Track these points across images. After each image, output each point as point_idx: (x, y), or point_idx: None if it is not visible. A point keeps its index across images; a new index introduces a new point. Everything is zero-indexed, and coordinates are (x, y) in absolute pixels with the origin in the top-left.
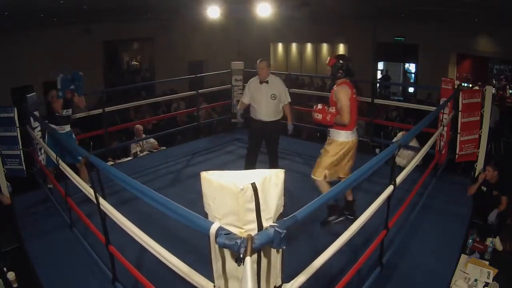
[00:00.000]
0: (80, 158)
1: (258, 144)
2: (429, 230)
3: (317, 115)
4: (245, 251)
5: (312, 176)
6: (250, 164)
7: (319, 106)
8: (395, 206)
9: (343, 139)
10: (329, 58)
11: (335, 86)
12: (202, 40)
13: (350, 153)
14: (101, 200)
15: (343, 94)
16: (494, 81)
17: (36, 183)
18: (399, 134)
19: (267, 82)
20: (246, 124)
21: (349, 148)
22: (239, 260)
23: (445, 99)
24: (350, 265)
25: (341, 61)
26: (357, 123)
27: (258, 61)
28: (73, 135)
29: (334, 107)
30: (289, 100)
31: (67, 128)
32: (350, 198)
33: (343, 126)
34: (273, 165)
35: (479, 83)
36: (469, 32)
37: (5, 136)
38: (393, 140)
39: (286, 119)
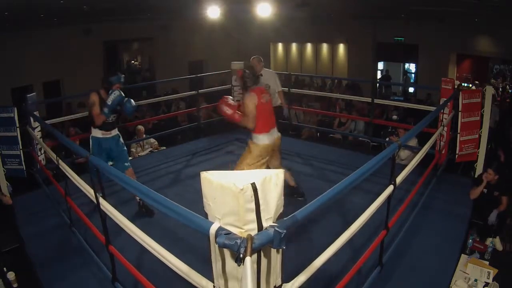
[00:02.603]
0: (128, 164)
1: None
2: (429, 230)
3: (226, 110)
4: (245, 251)
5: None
6: None
7: (230, 102)
8: (395, 206)
9: (261, 142)
10: (237, 71)
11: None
12: (202, 40)
13: (269, 155)
14: (101, 200)
15: (249, 101)
16: (493, 81)
17: (36, 183)
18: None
19: (261, 75)
20: None
21: (267, 149)
22: (239, 260)
23: (445, 99)
24: (350, 265)
25: (247, 71)
26: (273, 126)
27: (251, 59)
28: (121, 140)
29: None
30: (280, 88)
31: (114, 132)
32: (292, 183)
33: (258, 129)
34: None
35: (476, 82)
36: (469, 32)
37: (5, 136)
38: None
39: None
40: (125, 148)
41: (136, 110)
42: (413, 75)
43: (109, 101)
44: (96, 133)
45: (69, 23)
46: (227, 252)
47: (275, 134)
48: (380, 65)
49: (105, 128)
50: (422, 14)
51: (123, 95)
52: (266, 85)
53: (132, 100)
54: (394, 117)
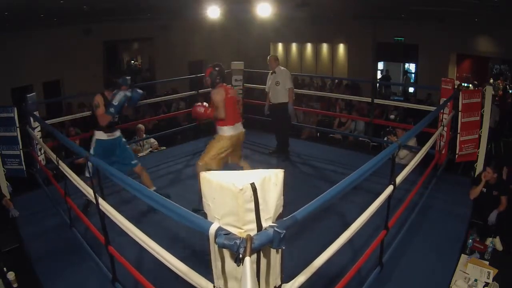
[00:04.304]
0: (135, 162)
1: (276, 122)
2: (429, 230)
3: (199, 109)
4: (245, 251)
5: (198, 163)
6: (277, 138)
7: (202, 103)
8: (395, 206)
9: (226, 133)
10: (206, 69)
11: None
12: (202, 40)
13: (232, 147)
14: (101, 200)
15: (218, 95)
16: (491, 81)
17: (36, 183)
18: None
19: (275, 72)
20: (246, 124)
21: (231, 141)
22: (239, 260)
23: (445, 99)
24: (350, 265)
25: (217, 69)
26: (238, 120)
27: (268, 57)
28: (123, 140)
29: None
30: (290, 86)
31: (117, 133)
32: None
33: (223, 122)
34: (282, 143)
35: (474, 82)
36: (469, 32)
37: (5, 136)
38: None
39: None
40: (128, 146)
41: (137, 105)
42: (413, 75)
43: (115, 102)
44: (101, 135)
45: (69, 23)
46: (226, 252)
47: (240, 128)
48: (380, 65)
49: (110, 130)
50: (422, 14)
51: (128, 95)
52: (277, 82)
53: (138, 89)
54: (392, 116)
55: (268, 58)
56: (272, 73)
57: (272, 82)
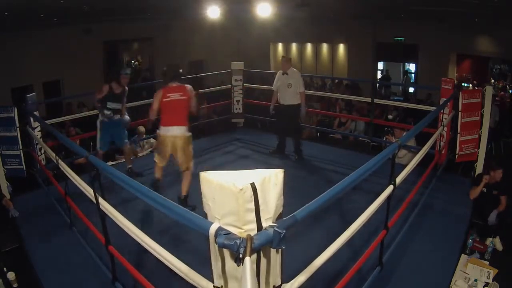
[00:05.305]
0: (126, 141)
1: (282, 123)
2: (429, 230)
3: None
4: (245, 251)
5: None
6: (279, 138)
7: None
8: (395, 206)
9: (159, 132)
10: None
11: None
12: (202, 40)
13: (168, 146)
14: (101, 200)
15: (155, 96)
16: (492, 81)
17: (36, 183)
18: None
19: (287, 73)
20: (246, 124)
21: (163, 141)
22: (239, 260)
23: (445, 99)
24: (350, 265)
25: (164, 69)
26: (175, 124)
27: (281, 57)
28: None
29: None
30: (303, 89)
31: (116, 117)
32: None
33: (161, 121)
34: (295, 148)
35: (474, 81)
36: (469, 32)
37: (5, 136)
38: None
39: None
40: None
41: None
42: (413, 75)
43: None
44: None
45: (69, 23)
46: (226, 252)
47: (174, 131)
48: (380, 65)
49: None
50: (422, 14)
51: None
52: (289, 84)
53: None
54: (390, 116)
55: (281, 58)
56: (283, 74)
57: (282, 83)
